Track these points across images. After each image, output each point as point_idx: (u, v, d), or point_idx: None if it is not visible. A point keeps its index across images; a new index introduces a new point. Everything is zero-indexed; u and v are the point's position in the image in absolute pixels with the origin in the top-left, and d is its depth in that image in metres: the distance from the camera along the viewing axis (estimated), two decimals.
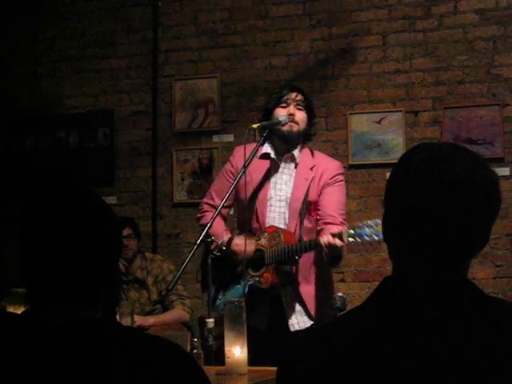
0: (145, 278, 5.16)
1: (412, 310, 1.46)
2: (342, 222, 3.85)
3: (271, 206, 3.94)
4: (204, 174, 6.20)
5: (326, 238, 3.60)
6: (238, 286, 3.94)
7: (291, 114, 3.89)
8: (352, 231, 3.52)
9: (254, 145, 3.92)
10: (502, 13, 5.71)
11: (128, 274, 5.14)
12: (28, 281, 1.65)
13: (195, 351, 3.13)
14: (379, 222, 3.42)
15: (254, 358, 3.56)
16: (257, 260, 3.89)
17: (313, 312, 3.89)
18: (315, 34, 6.06)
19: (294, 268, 3.88)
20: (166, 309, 5.14)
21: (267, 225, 3.93)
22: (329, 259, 3.75)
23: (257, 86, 6.15)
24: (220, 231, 3.96)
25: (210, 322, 3.39)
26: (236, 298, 3.82)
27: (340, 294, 3.28)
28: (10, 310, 3.57)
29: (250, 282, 3.89)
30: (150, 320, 4.92)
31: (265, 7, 6.19)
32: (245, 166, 3.78)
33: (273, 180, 3.96)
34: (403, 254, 1.55)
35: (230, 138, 6.17)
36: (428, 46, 5.82)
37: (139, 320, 4.70)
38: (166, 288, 4.89)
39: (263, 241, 3.89)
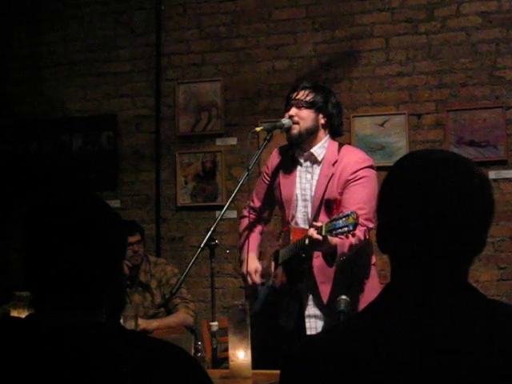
0: (148, 282, 5.16)
1: (412, 318, 1.46)
2: (361, 224, 3.65)
3: (297, 206, 3.93)
4: (207, 178, 6.20)
5: (308, 232, 3.52)
6: (264, 287, 3.99)
7: (291, 115, 3.89)
8: (328, 225, 3.40)
9: (288, 147, 4.05)
10: (505, 15, 5.70)
11: (135, 278, 5.14)
12: (32, 285, 1.66)
13: (199, 354, 3.13)
14: (350, 213, 3.34)
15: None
16: (277, 260, 3.93)
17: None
18: (318, 38, 6.06)
19: (308, 267, 3.81)
20: (169, 312, 5.14)
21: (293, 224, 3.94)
22: (323, 256, 3.68)
23: (260, 90, 6.15)
24: (245, 249, 4.05)
25: (214, 325, 3.39)
26: (263, 298, 3.93)
27: (344, 297, 3.26)
28: (14, 313, 3.57)
29: (270, 283, 3.95)
30: (154, 323, 4.92)
31: (268, 11, 6.19)
32: (248, 170, 3.79)
33: (297, 180, 3.95)
34: (399, 262, 1.55)
35: (233, 141, 6.17)
36: (431, 49, 5.82)
37: (143, 323, 4.69)
38: (169, 291, 4.89)
39: (280, 241, 3.94)
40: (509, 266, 5.57)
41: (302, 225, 3.89)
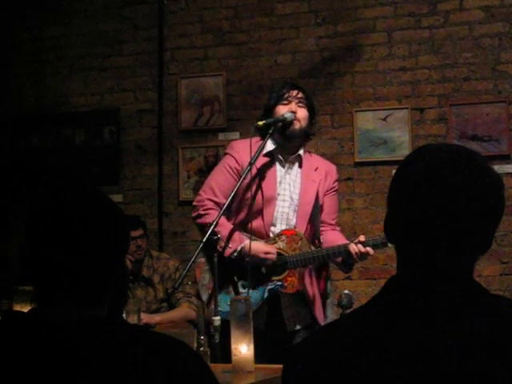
0: (151, 277, 5.16)
1: (414, 312, 1.46)
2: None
3: (276, 205, 3.88)
4: (210, 172, 6.19)
5: (356, 247, 3.67)
6: (255, 291, 3.83)
7: (293, 112, 3.86)
8: (371, 241, 3.64)
9: (255, 140, 3.81)
10: (508, 9, 5.70)
11: (138, 272, 5.14)
12: (34, 279, 1.66)
13: (202, 349, 3.12)
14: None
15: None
16: (276, 264, 3.82)
17: (314, 312, 3.89)
18: (321, 32, 6.06)
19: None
20: (172, 307, 5.14)
21: (271, 224, 3.87)
22: (347, 266, 3.83)
23: (262, 84, 6.15)
24: (235, 235, 3.83)
25: (217, 319, 3.38)
26: (257, 303, 3.80)
27: (346, 292, 3.28)
28: (17, 308, 3.57)
29: (269, 287, 3.83)
30: (157, 318, 4.92)
31: (270, 5, 6.19)
32: (250, 164, 3.75)
33: (278, 179, 3.92)
34: (405, 254, 1.55)
35: (235, 135, 6.16)
36: (434, 43, 5.81)
37: (145, 318, 4.69)
38: (172, 286, 4.90)
39: (281, 244, 3.83)
40: (511, 261, 5.58)
41: (279, 225, 3.87)
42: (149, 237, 5.46)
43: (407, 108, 5.81)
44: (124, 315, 3.48)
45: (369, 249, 3.65)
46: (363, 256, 3.68)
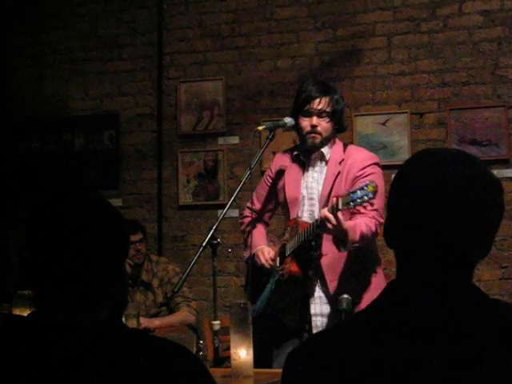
0: (150, 281, 5.16)
1: (415, 315, 1.46)
2: (373, 217, 3.71)
3: (303, 205, 3.92)
4: (209, 176, 6.21)
5: (321, 211, 3.57)
6: (268, 285, 3.96)
7: (314, 126, 3.84)
8: (346, 198, 3.42)
9: (291, 149, 4.07)
10: (507, 14, 5.70)
11: (137, 277, 5.14)
12: (34, 283, 1.65)
13: (201, 353, 3.12)
14: (368, 182, 3.39)
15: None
16: (282, 255, 3.91)
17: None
18: (320, 36, 6.06)
19: (318, 256, 3.80)
20: (171, 311, 5.14)
21: None
22: (334, 241, 3.68)
23: (262, 88, 6.15)
24: (255, 242, 4.00)
25: (216, 324, 3.39)
26: (267, 296, 3.91)
27: (345, 296, 3.26)
28: (16, 312, 3.57)
29: (275, 278, 3.91)
30: (156, 322, 4.93)
31: (270, 9, 6.19)
32: (250, 168, 3.78)
33: (304, 179, 3.95)
34: (405, 258, 1.55)
35: (235, 140, 6.17)
36: (433, 48, 5.82)
37: (145, 322, 4.70)
38: (171, 290, 4.90)
39: (286, 235, 3.92)
40: (510, 265, 5.57)
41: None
42: (148, 241, 5.47)
43: (406, 112, 5.81)
44: (123, 319, 3.48)
45: (325, 211, 3.48)
46: (325, 220, 3.50)
